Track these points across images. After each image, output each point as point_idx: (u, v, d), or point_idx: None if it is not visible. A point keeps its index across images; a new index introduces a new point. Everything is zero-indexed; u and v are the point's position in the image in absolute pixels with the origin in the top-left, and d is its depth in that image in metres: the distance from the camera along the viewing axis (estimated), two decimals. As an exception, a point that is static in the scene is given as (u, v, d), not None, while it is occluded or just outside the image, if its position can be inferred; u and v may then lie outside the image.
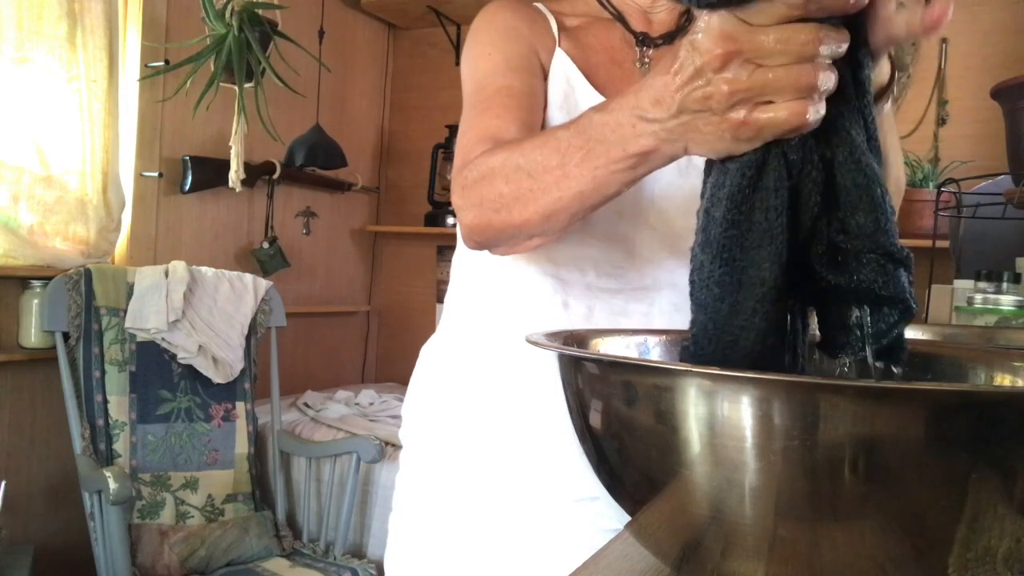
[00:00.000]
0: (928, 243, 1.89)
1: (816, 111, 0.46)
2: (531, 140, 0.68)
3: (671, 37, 0.92)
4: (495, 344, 0.90)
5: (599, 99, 0.86)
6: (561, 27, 0.90)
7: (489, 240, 0.75)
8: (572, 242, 0.86)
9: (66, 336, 2.01)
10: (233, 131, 2.32)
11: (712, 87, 0.47)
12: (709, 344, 0.51)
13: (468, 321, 0.94)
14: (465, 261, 0.96)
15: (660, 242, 0.86)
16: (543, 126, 0.85)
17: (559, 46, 0.88)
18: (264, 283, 2.37)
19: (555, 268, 0.86)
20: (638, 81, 0.89)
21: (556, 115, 0.85)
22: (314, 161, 2.81)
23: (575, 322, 0.85)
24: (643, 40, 0.91)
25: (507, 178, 0.68)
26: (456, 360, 0.94)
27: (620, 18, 0.92)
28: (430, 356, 0.99)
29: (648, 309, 0.86)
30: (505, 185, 0.68)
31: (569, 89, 0.86)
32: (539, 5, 0.93)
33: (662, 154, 0.55)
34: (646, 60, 0.91)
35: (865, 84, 0.50)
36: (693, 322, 0.52)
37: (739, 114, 0.47)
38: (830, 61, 0.46)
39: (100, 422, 2.02)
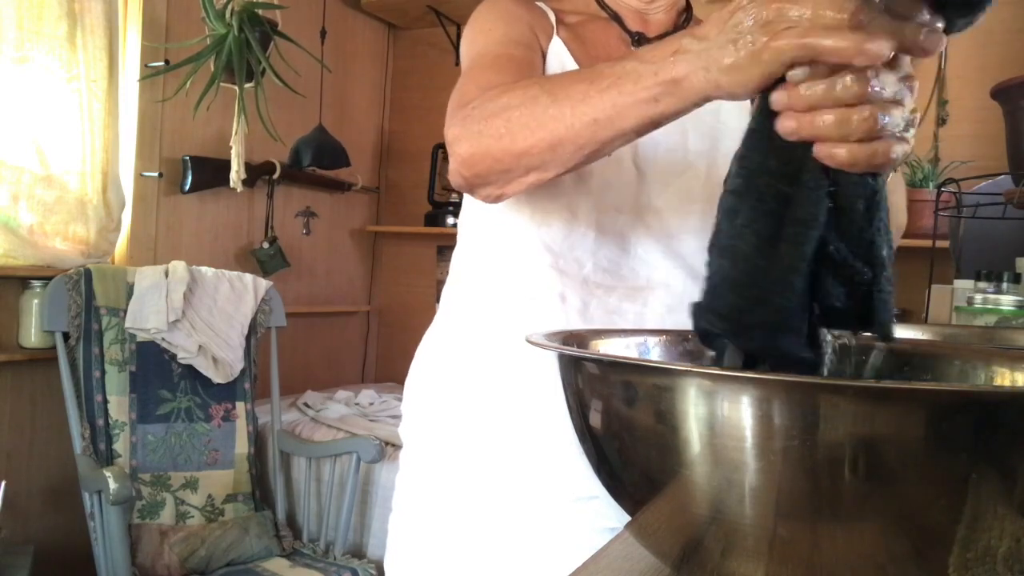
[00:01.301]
0: (928, 243, 1.89)
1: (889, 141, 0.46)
2: (567, 72, 0.67)
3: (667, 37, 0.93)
4: (494, 339, 0.90)
5: None
6: (560, 21, 0.91)
7: (481, 174, 0.72)
8: (570, 232, 0.86)
9: (66, 336, 2.01)
10: (233, 131, 2.32)
11: (762, 8, 0.47)
12: (733, 295, 0.49)
13: (466, 316, 0.94)
14: (465, 255, 0.96)
15: (655, 242, 0.87)
16: None
17: (556, 34, 0.89)
18: (264, 283, 2.37)
19: (554, 258, 0.86)
20: None
21: None
22: (318, 161, 2.81)
23: (571, 316, 0.86)
24: (639, 40, 0.92)
25: (522, 103, 0.66)
26: (455, 356, 0.94)
27: (616, 18, 0.92)
28: (427, 353, 0.99)
29: (641, 309, 0.87)
30: (517, 109, 0.66)
31: None
32: (539, 2, 0.93)
33: (692, 86, 0.54)
34: None
35: None
36: (713, 274, 0.51)
37: (779, 36, 0.46)
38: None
39: (100, 422, 2.02)
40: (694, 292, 0.87)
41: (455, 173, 0.74)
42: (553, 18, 0.91)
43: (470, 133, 0.70)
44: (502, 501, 0.88)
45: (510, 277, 0.89)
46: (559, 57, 0.88)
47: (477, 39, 0.87)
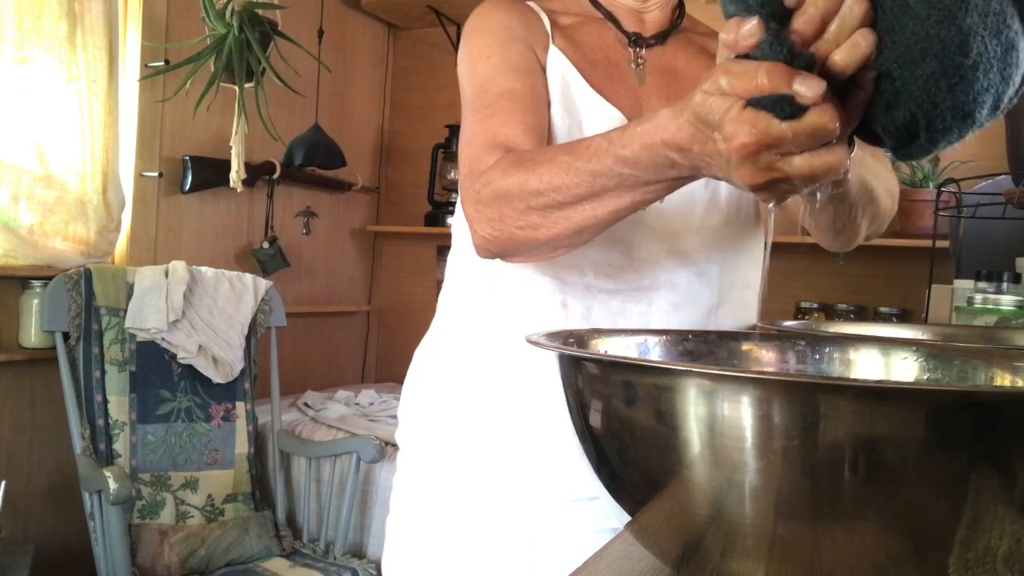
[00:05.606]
0: (928, 243, 1.89)
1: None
2: (545, 162, 0.69)
3: (664, 36, 0.92)
4: (493, 344, 0.89)
5: (595, 96, 0.85)
6: (554, 25, 0.90)
7: (508, 251, 0.76)
8: None
9: (66, 336, 2.01)
10: (233, 131, 2.32)
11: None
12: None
13: (465, 321, 0.94)
14: (461, 261, 0.95)
15: (658, 242, 0.86)
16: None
17: (552, 43, 0.88)
18: (264, 283, 2.37)
19: (554, 268, 0.86)
20: (633, 81, 0.89)
21: (557, 111, 0.85)
22: (313, 161, 2.80)
23: (573, 322, 0.85)
24: (636, 40, 0.91)
25: (528, 200, 0.69)
26: (453, 361, 0.94)
27: (611, 18, 0.92)
28: (425, 357, 0.98)
29: (646, 309, 0.86)
30: (527, 206, 0.70)
31: (566, 85, 0.86)
32: (532, 4, 0.92)
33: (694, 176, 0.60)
34: (640, 60, 0.91)
35: None
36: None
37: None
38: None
39: (100, 422, 2.02)
40: (699, 289, 0.88)
41: (480, 248, 0.78)
42: (547, 22, 0.89)
43: (487, 218, 0.74)
44: (501, 502, 0.88)
45: (510, 288, 0.88)
46: (559, 67, 0.86)
47: (477, 67, 0.86)
